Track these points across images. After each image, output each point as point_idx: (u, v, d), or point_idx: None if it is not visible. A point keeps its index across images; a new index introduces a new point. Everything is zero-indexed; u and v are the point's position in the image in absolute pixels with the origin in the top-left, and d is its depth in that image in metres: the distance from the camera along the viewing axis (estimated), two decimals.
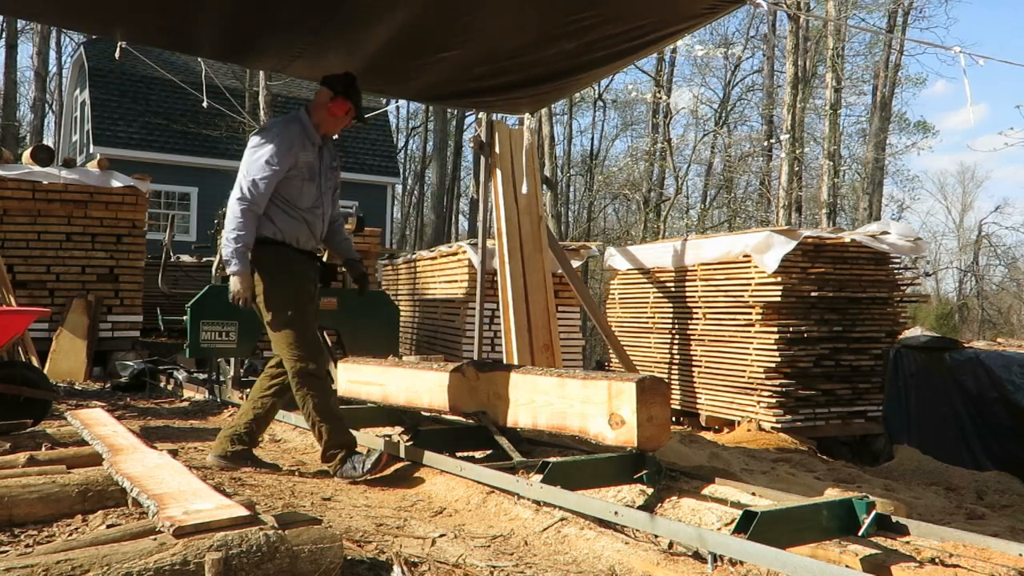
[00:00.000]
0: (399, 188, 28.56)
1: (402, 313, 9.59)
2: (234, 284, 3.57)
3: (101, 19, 4.34)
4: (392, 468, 3.93)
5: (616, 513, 2.77)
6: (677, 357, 8.57)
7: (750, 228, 16.62)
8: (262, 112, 14.79)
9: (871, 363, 7.78)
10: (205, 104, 7.41)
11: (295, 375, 3.65)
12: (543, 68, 4.75)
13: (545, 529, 2.88)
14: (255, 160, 3.60)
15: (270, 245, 3.64)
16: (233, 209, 3.55)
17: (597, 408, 3.28)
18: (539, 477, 3.12)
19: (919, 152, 41.36)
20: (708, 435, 7.43)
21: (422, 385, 4.42)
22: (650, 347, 8.95)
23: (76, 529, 2.59)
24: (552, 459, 3.28)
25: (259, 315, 3.72)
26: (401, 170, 27.85)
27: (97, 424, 3.86)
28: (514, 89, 5.23)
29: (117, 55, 4.76)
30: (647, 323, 9.05)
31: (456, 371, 4.22)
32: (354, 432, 4.39)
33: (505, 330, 6.66)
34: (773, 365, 7.38)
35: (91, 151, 17.43)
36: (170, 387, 7.07)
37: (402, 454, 3.96)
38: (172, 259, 12.21)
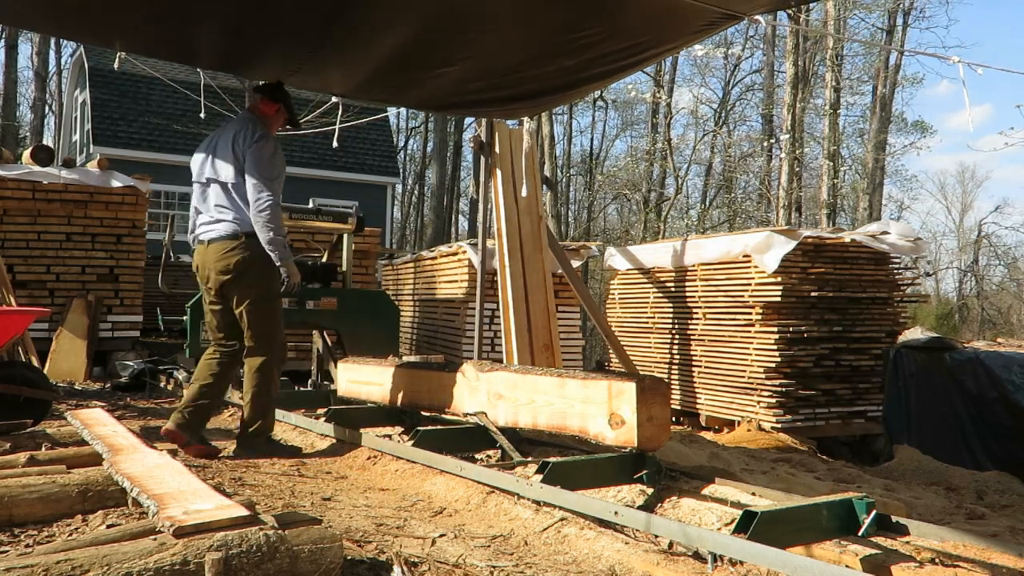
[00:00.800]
0: (399, 188, 28.57)
1: (402, 313, 9.59)
2: (293, 273, 4.06)
3: (98, 31, 4.34)
4: (392, 468, 3.93)
5: (616, 513, 2.76)
6: (677, 357, 8.57)
7: (750, 228, 16.62)
8: None
9: (871, 363, 7.78)
10: (203, 115, 7.44)
11: (270, 359, 4.16)
12: (542, 83, 4.77)
13: (545, 529, 2.88)
14: (273, 161, 4.03)
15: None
16: (271, 209, 3.94)
17: (597, 408, 3.28)
18: (539, 477, 3.12)
19: (918, 152, 41.42)
20: (708, 435, 7.43)
21: (422, 385, 4.43)
22: (650, 347, 8.95)
23: (76, 529, 2.59)
24: (552, 459, 3.28)
25: (239, 300, 4.06)
26: (401, 170, 27.86)
27: (97, 424, 3.86)
28: (513, 101, 5.26)
29: (116, 65, 4.78)
30: (647, 323, 9.05)
31: (456, 371, 4.22)
32: (354, 432, 4.41)
33: (505, 330, 6.66)
34: (773, 365, 7.38)
35: (91, 151, 17.43)
36: (170, 387, 7.07)
37: (402, 454, 3.96)
38: (172, 259, 12.21)
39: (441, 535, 2.82)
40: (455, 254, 9.56)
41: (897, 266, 8.16)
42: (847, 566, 2.45)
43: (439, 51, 4.32)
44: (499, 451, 3.97)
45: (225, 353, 4.22)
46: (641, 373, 5.15)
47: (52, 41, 22.79)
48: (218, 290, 4.10)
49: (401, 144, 31.59)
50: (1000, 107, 55.65)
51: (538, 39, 4.18)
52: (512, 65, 4.53)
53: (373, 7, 3.88)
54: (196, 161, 4.23)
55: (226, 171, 4.02)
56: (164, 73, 13.52)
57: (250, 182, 3.94)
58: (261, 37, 4.17)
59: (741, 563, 2.47)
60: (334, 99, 5.78)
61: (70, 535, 2.50)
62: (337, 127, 6.38)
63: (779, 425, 7.34)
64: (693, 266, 8.37)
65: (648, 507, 3.18)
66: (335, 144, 6.46)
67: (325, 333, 6.42)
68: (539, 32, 4.10)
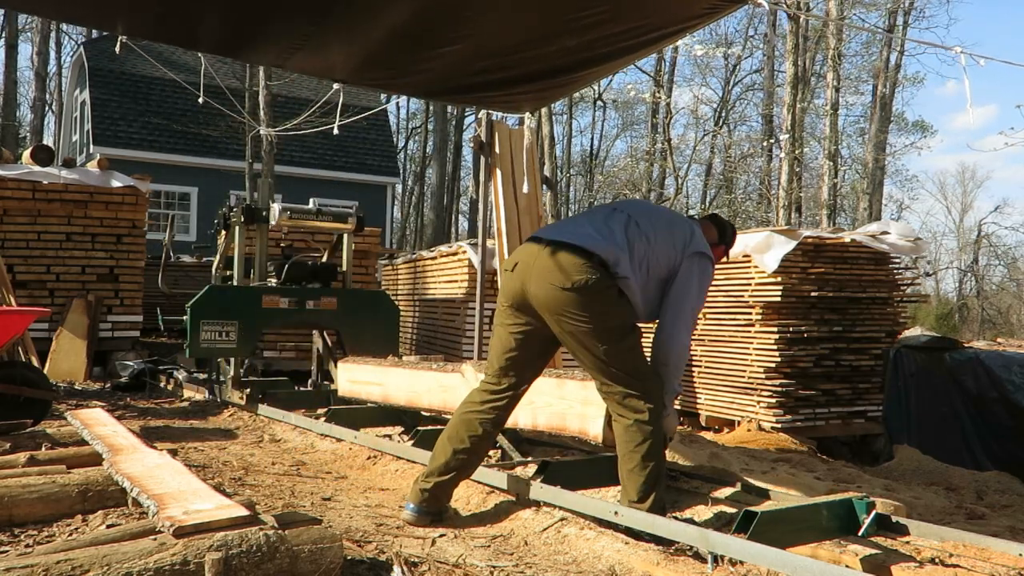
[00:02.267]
0: (399, 188, 28.58)
1: (402, 313, 9.59)
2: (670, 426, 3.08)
3: (101, 12, 4.33)
4: (392, 468, 3.93)
5: (616, 513, 2.77)
6: None
7: (750, 228, 16.60)
8: (262, 112, 14.78)
9: (871, 363, 7.78)
10: (201, 100, 7.41)
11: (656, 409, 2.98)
12: (544, 65, 4.75)
13: (545, 529, 2.88)
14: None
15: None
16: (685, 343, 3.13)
17: (597, 409, 3.28)
18: (539, 477, 3.12)
19: (919, 152, 41.39)
20: (708, 435, 7.42)
21: (422, 385, 4.43)
22: (650, 347, 8.94)
23: (76, 529, 2.59)
24: (552, 459, 3.28)
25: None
26: (401, 170, 27.87)
27: (97, 424, 3.86)
28: (515, 85, 5.22)
29: (118, 49, 4.75)
30: (647, 323, 9.03)
31: (455, 371, 4.23)
32: (355, 432, 4.41)
33: None
34: (773, 365, 7.37)
35: (91, 151, 17.43)
36: (170, 387, 7.07)
37: (402, 454, 3.97)
38: (172, 259, 12.22)
39: (441, 535, 2.82)
40: (455, 254, 9.55)
41: (897, 266, 8.16)
42: (847, 566, 2.45)
43: (440, 30, 4.30)
44: (499, 451, 3.97)
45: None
46: None
47: (52, 41, 22.83)
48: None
49: (401, 144, 31.60)
50: (1005, 108, 55.65)
51: (540, 18, 4.16)
52: (514, 45, 4.50)
53: None
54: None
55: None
56: (164, 61, 13.53)
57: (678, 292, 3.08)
58: (262, 17, 4.15)
59: (741, 563, 2.48)
60: (335, 86, 5.76)
61: (70, 535, 2.50)
62: (337, 118, 6.37)
63: (779, 425, 7.33)
64: None
65: None
66: (335, 131, 6.44)
67: (325, 333, 6.42)
68: (541, 11, 4.08)
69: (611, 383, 2.93)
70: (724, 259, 3.41)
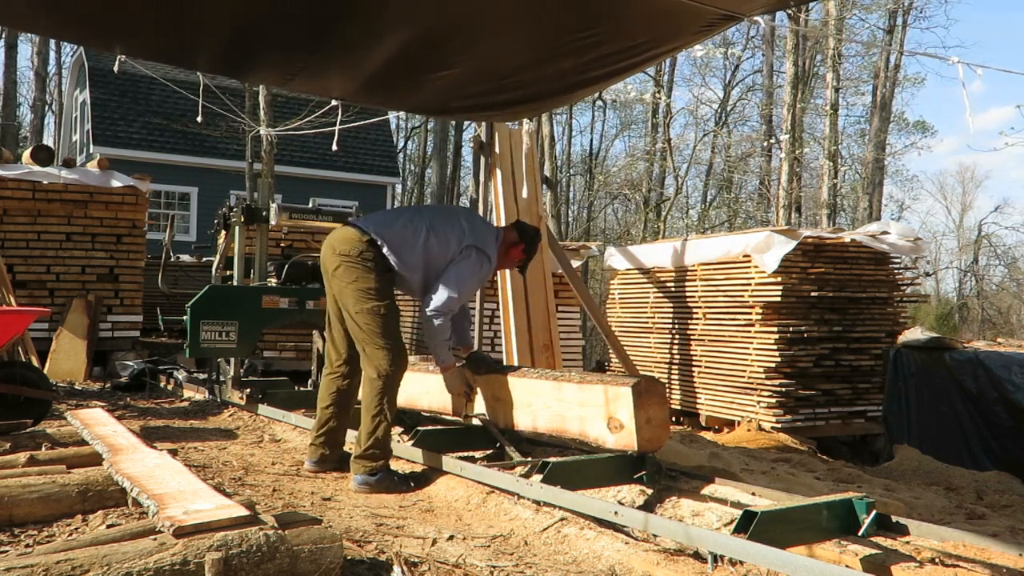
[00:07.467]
0: (399, 188, 28.56)
1: (402, 313, 9.59)
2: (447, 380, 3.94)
3: (99, 34, 4.33)
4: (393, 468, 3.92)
5: (616, 513, 2.77)
6: (677, 357, 8.57)
7: (750, 228, 16.61)
8: (262, 112, 14.76)
9: (871, 363, 7.78)
10: (200, 119, 7.48)
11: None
12: (542, 85, 4.77)
13: (545, 529, 2.88)
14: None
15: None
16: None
17: (595, 412, 3.28)
18: (539, 477, 3.12)
19: (919, 152, 41.34)
20: (708, 435, 7.43)
21: (421, 387, 4.43)
22: (650, 347, 8.95)
23: (76, 529, 2.59)
24: (552, 459, 3.28)
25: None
26: (401, 170, 27.87)
27: (97, 424, 3.86)
28: (513, 104, 5.25)
29: (116, 68, 4.78)
30: (647, 323, 9.05)
31: None
32: (355, 432, 4.40)
33: (505, 330, 6.66)
34: (773, 365, 7.38)
35: (91, 151, 17.44)
36: (170, 387, 7.06)
37: (402, 454, 3.97)
38: (172, 259, 12.22)
39: (441, 535, 2.82)
40: None
41: (897, 266, 8.16)
42: (847, 566, 2.45)
43: (438, 54, 4.32)
44: (499, 451, 3.97)
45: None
46: (638, 374, 5.14)
47: (52, 41, 22.78)
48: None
49: (401, 144, 31.61)
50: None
51: (537, 42, 4.17)
52: (511, 68, 4.53)
53: (372, 12, 3.88)
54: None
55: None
56: (164, 74, 13.53)
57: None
58: (261, 41, 4.16)
59: (741, 563, 2.48)
60: (334, 101, 5.79)
61: (70, 535, 2.50)
62: (336, 130, 6.38)
63: (779, 425, 7.34)
64: (693, 266, 8.37)
65: (648, 507, 3.18)
66: (335, 147, 6.47)
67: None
68: (538, 35, 4.09)
69: None
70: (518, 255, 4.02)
